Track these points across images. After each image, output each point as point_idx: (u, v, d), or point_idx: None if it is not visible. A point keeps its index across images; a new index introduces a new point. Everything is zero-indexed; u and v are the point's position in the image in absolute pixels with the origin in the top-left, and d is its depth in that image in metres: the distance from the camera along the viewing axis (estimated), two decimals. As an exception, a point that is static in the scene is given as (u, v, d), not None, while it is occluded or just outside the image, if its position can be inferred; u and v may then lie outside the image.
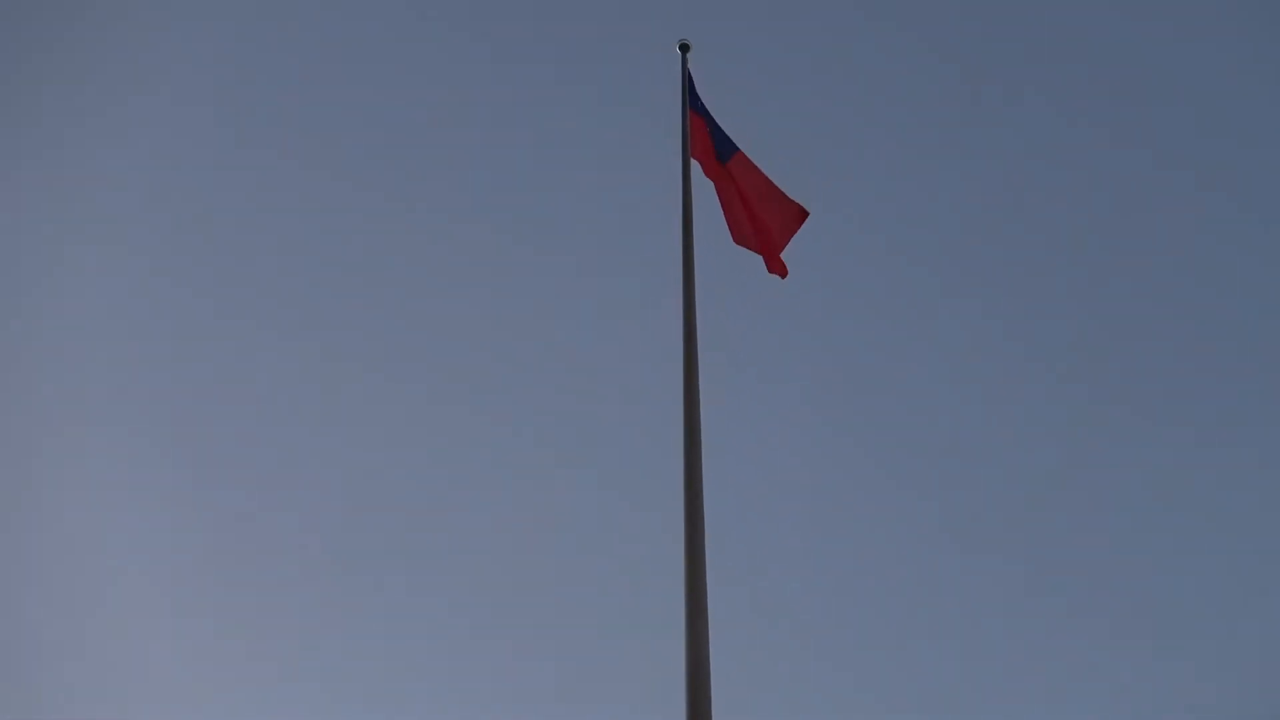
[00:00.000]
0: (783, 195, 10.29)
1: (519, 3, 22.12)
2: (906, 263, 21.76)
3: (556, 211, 21.58)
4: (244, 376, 20.06)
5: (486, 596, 18.45)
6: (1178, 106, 21.67)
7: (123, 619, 17.25)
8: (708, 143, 10.57)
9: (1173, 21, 21.55)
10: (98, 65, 19.97)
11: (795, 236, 10.08)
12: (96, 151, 20.02)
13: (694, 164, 10.51)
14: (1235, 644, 16.59)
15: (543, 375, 20.51)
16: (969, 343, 21.09)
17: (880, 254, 21.86)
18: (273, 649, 17.62)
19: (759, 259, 10.17)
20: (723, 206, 10.33)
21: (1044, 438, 20.16)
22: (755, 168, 10.38)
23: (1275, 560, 17.43)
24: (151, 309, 20.19)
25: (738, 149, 10.59)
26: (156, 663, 17.12)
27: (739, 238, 10.24)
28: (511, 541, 18.96)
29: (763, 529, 18.93)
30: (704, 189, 10.61)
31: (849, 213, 21.55)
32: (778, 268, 10.12)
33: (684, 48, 10.87)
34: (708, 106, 10.79)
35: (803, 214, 10.17)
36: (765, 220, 10.19)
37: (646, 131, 20.57)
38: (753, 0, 21.88)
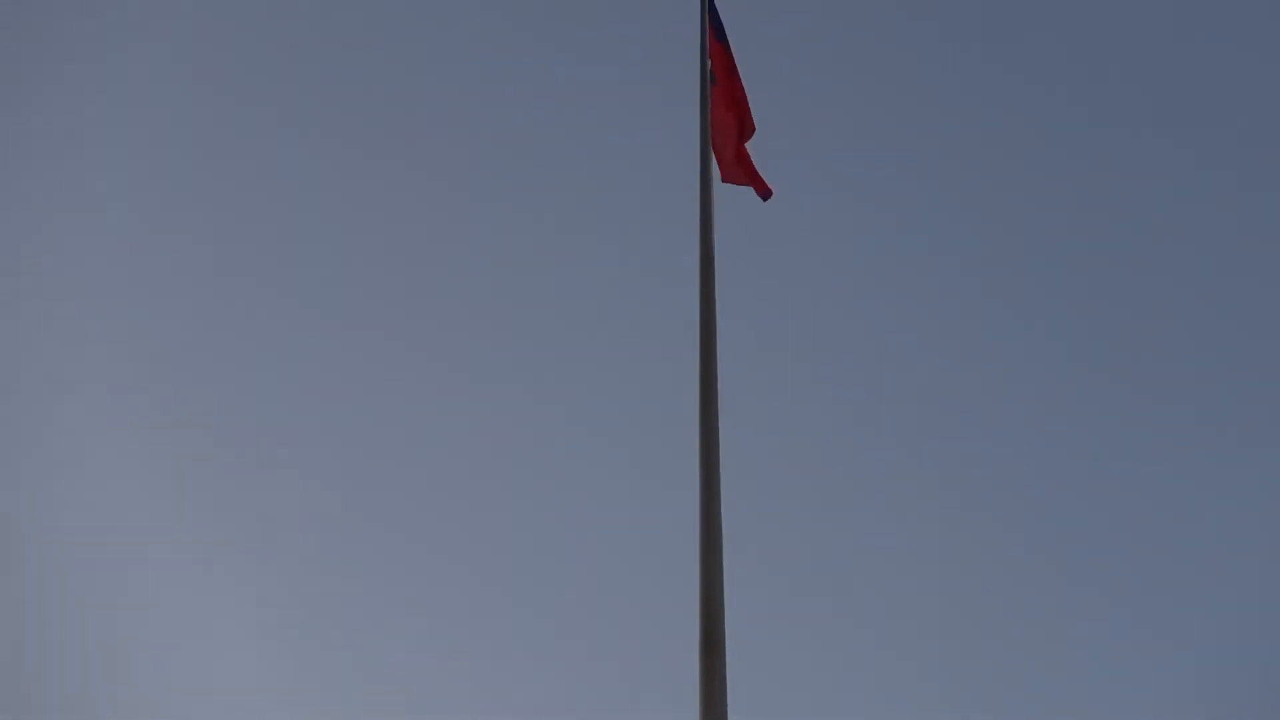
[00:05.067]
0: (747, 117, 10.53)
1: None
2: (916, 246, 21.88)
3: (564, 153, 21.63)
4: (250, 365, 20.15)
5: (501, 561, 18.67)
6: (1190, 97, 21.76)
7: (126, 615, 17.33)
8: (727, 71, 10.64)
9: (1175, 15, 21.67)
10: (97, 61, 20.03)
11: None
12: (93, 140, 20.06)
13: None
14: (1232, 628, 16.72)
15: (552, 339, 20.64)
16: (979, 323, 21.22)
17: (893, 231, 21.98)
18: (278, 640, 17.72)
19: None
20: (714, 133, 10.48)
21: (1061, 416, 20.31)
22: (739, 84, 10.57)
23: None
24: (155, 303, 20.27)
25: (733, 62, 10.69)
26: (160, 659, 17.20)
27: (727, 172, 10.45)
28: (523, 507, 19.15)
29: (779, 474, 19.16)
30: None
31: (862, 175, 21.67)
32: (762, 189, 10.46)
33: None
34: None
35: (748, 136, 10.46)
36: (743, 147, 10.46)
37: (662, 58, 20.64)
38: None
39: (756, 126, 10.54)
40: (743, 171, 10.40)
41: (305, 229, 21.17)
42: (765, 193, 10.38)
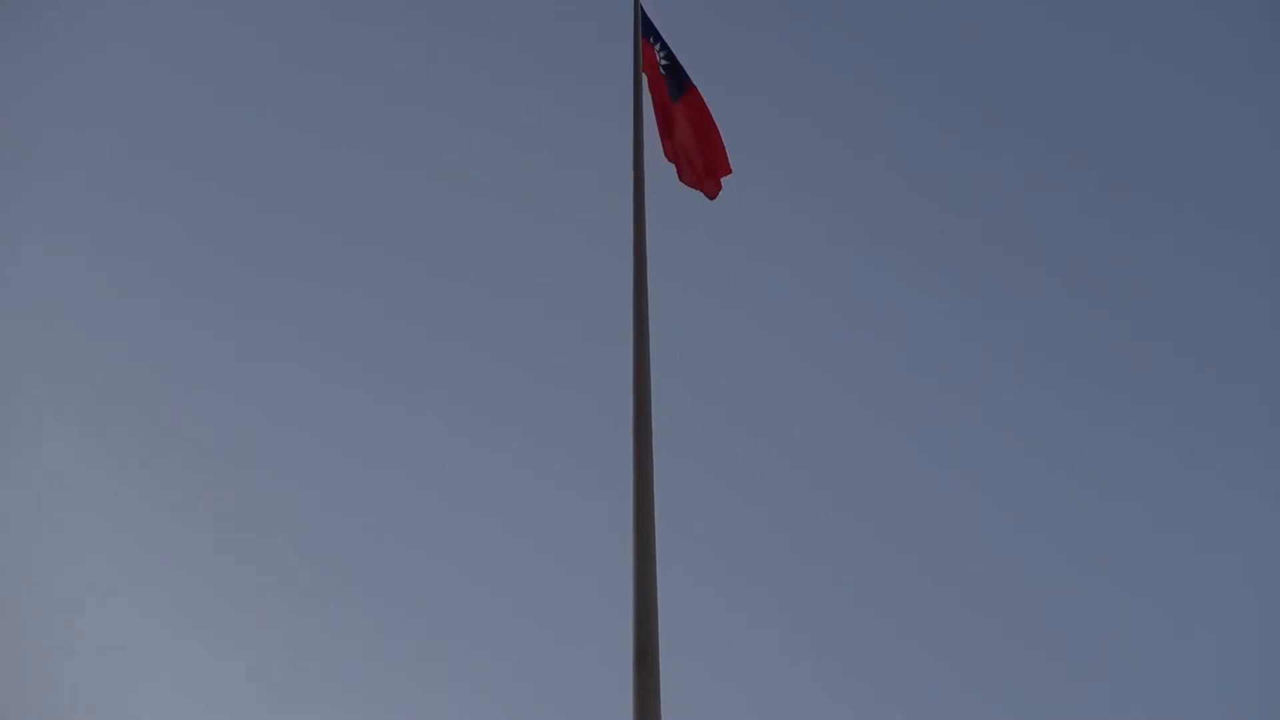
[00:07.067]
0: (719, 144, 10.50)
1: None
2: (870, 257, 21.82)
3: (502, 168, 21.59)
4: (218, 383, 20.06)
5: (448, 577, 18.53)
6: (1158, 104, 21.77)
7: (106, 627, 17.23)
8: (657, 74, 10.66)
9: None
10: (67, 66, 19.97)
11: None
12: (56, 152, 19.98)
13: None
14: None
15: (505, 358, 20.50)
16: (946, 339, 21.14)
17: (844, 238, 21.90)
18: (249, 654, 17.60)
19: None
20: (660, 133, 10.42)
21: (1027, 433, 20.22)
22: (705, 110, 10.54)
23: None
24: (130, 316, 20.21)
25: (692, 86, 10.71)
26: (138, 669, 17.12)
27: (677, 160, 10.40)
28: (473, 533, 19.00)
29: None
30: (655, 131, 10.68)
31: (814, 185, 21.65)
32: (711, 188, 10.46)
33: None
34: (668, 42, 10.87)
35: (726, 169, 10.49)
36: (698, 156, 10.42)
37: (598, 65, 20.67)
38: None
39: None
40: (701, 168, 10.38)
41: (248, 243, 21.06)
42: (714, 192, 10.40)
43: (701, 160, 10.48)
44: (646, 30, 10.76)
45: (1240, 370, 19.29)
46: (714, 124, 10.55)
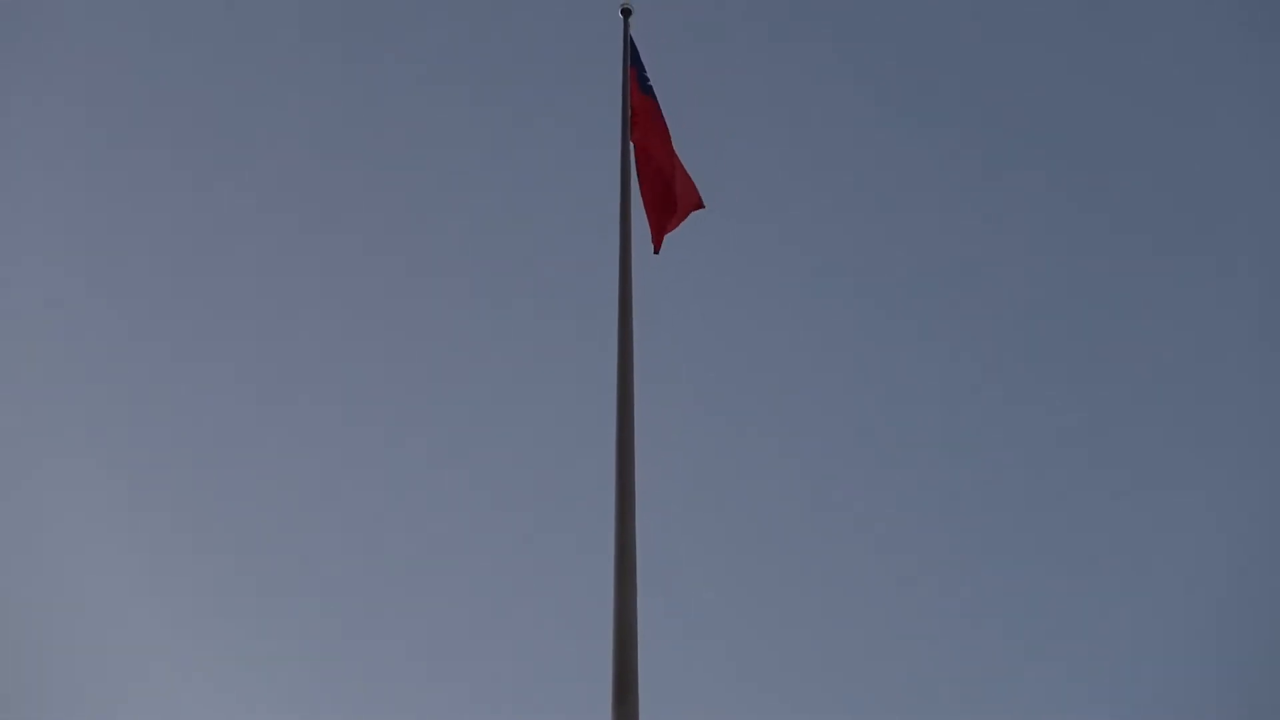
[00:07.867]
0: (685, 179, 10.22)
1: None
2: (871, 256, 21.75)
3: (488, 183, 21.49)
4: (215, 384, 20.05)
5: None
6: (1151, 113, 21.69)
7: (105, 627, 17.26)
8: (651, 115, 10.29)
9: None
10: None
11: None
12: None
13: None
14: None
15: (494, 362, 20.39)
16: (943, 338, 21.07)
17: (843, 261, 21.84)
18: (252, 655, 17.62)
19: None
20: (640, 181, 10.09)
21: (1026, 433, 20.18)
22: (669, 143, 10.24)
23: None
24: (128, 316, 20.22)
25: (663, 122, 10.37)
26: (135, 668, 17.16)
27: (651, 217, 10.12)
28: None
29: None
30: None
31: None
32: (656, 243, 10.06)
33: (625, 12, 10.54)
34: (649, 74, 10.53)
35: (698, 205, 10.17)
36: (666, 196, 10.08)
37: (586, 102, 20.61)
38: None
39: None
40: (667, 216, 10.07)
41: (238, 240, 20.99)
42: (655, 244, 10.03)
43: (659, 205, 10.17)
44: (634, 60, 10.41)
45: (1239, 373, 19.24)
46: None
